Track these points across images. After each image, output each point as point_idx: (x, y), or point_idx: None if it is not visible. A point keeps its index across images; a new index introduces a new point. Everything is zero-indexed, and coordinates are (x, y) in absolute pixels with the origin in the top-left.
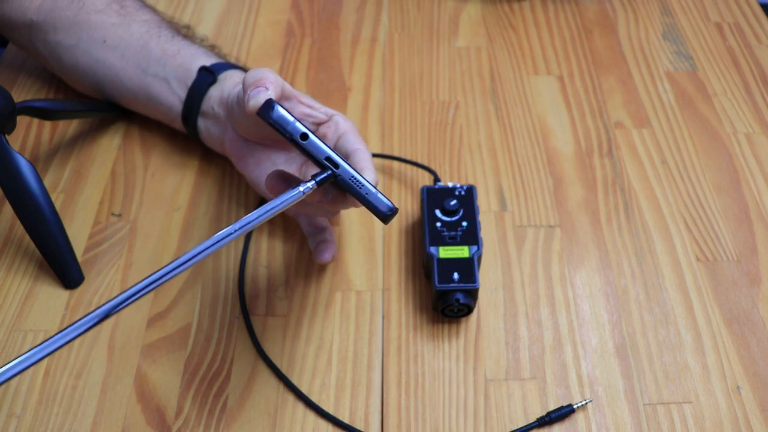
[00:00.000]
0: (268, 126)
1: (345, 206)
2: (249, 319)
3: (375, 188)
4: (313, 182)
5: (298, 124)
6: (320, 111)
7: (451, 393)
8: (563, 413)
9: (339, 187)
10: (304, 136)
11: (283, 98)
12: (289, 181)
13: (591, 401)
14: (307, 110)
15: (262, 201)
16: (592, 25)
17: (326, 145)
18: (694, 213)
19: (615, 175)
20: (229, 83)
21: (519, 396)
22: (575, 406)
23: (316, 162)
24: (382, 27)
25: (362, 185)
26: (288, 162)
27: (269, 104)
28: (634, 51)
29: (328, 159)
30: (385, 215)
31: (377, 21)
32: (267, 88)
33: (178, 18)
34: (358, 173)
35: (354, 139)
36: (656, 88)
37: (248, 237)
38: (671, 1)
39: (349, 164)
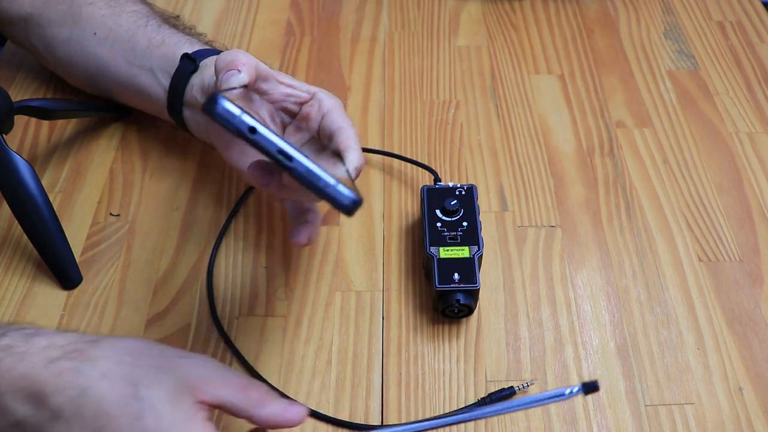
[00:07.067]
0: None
1: None
2: (219, 321)
3: (335, 180)
4: None
5: (245, 117)
6: (302, 89)
7: (451, 394)
8: (504, 395)
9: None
10: (252, 130)
11: (260, 79)
12: (271, 171)
13: (533, 383)
14: (288, 90)
15: (250, 189)
16: (593, 23)
17: (279, 136)
18: (695, 213)
19: (616, 174)
20: (209, 71)
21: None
22: (516, 389)
23: (270, 157)
24: (382, 26)
25: (320, 179)
26: None
27: (213, 99)
28: (635, 50)
29: (281, 152)
30: (348, 208)
31: (377, 20)
32: (240, 71)
33: None
34: (315, 165)
35: (339, 117)
36: (658, 87)
37: (217, 244)
38: (673, 0)
39: (305, 156)
